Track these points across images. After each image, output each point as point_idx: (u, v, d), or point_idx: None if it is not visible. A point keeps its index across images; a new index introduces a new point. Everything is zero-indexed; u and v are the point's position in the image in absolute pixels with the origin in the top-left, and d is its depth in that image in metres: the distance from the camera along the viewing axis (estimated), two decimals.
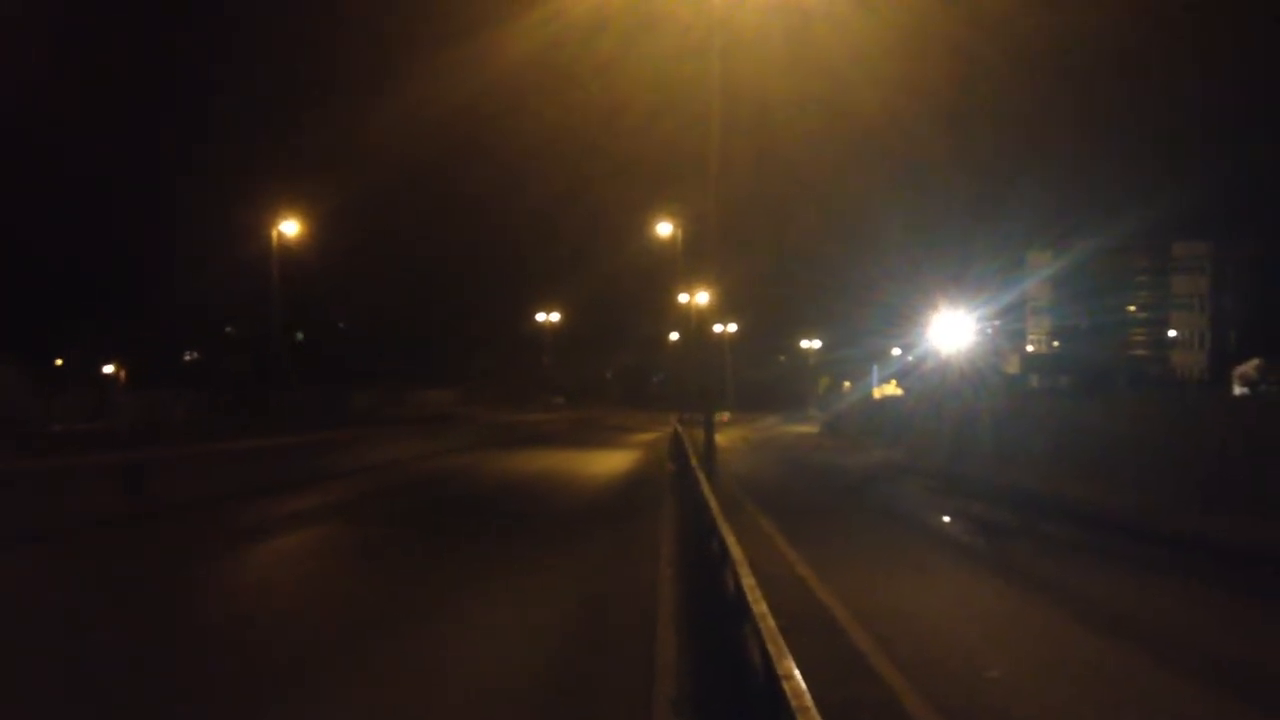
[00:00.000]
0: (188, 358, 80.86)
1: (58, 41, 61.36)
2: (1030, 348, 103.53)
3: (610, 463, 34.17)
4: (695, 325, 44.48)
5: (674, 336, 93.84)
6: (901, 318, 68.47)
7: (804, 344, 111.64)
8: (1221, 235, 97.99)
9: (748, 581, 7.93)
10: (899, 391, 69.14)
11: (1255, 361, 70.33)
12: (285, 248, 46.56)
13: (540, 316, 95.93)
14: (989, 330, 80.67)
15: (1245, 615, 11.75)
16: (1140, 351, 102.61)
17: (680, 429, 41.10)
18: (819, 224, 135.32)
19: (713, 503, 13.40)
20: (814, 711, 4.97)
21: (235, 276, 59.26)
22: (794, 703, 5.04)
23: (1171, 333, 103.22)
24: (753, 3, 21.98)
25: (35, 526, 16.14)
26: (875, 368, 78.76)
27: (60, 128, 58.12)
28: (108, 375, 70.56)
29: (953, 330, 45.25)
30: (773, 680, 5.58)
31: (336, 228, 64.69)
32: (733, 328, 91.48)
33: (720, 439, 31.45)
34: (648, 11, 23.81)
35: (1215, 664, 9.50)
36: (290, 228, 45.71)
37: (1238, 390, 63.95)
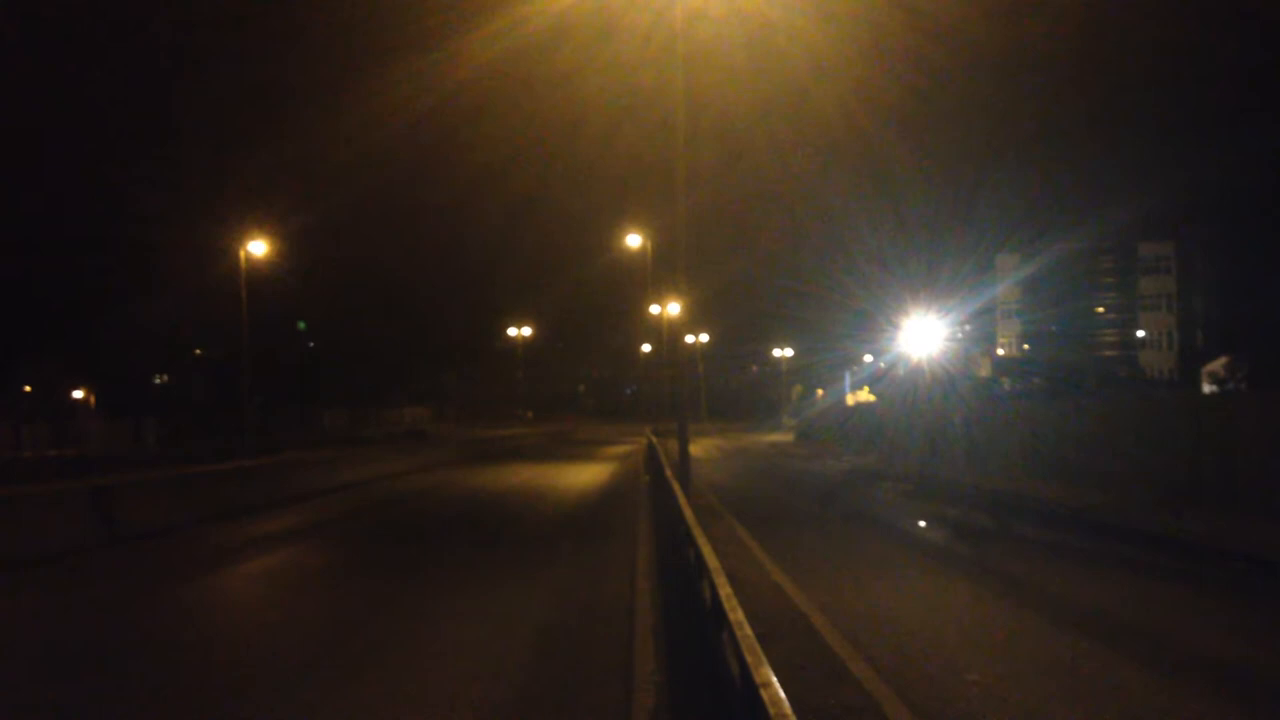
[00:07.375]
0: (158, 380, 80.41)
1: (12, 66, 61.03)
2: (1001, 350, 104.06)
3: (585, 476, 34.07)
4: (667, 336, 44.48)
5: (646, 348, 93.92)
6: (873, 323, 68.72)
7: (776, 352, 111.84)
8: (1187, 235, 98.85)
9: (724, 590, 7.91)
10: (872, 397, 69.32)
11: (1223, 360, 70.99)
12: (254, 268, 46.32)
13: (512, 331, 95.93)
14: (960, 334, 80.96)
15: (1218, 612, 11.83)
16: (1109, 352, 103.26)
17: (654, 440, 41.17)
18: (788, 231, 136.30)
19: (688, 512, 13.39)
20: (793, 718, 4.96)
21: (204, 298, 59.09)
22: (773, 710, 5.02)
23: (1140, 333, 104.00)
24: (713, 13, 21.95)
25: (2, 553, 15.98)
26: (848, 374, 78.93)
27: (25, 152, 57.74)
28: (77, 400, 70.04)
29: (924, 335, 45.40)
30: (751, 688, 5.57)
31: (304, 246, 64.67)
32: (705, 338, 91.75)
33: (694, 449, 31.45)
34: (607, 21, 23.75)
35: (1190, 661, 9.57)
36: (258, 248, 45.44)
37: (1207, 388, 64.50)
